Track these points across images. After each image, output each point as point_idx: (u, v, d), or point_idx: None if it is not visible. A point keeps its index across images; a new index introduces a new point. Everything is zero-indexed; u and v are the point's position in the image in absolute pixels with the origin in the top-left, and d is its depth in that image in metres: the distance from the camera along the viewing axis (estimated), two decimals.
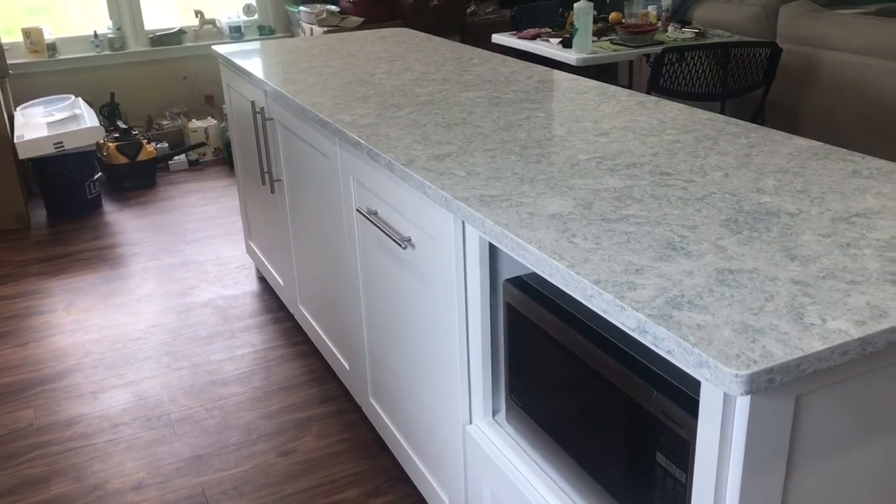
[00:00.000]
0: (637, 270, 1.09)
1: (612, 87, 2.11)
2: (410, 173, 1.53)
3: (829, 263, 1.09)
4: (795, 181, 1.40)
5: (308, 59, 2.66)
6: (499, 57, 2.59)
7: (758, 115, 3.39)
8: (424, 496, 1.87)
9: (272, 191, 2.52)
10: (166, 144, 4.71)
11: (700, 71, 3.34)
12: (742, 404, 0.92)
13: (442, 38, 3.01)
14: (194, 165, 4.72)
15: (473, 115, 1.91)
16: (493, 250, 1.44)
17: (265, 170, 2.55)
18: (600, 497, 1.25)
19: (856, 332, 0.92)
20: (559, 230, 1.23)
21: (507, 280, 1.42)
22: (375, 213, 1.79)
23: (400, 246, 1.64)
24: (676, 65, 3.31)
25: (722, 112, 3.67)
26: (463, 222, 1.42)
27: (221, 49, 2.91)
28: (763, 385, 0.87)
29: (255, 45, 3.00)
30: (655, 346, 0.97)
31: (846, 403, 0.97)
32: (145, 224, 3.87)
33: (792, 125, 3.84)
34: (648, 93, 3.34)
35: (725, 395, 0.92)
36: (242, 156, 2.93)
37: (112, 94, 4.71)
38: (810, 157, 1.52)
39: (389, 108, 2.00)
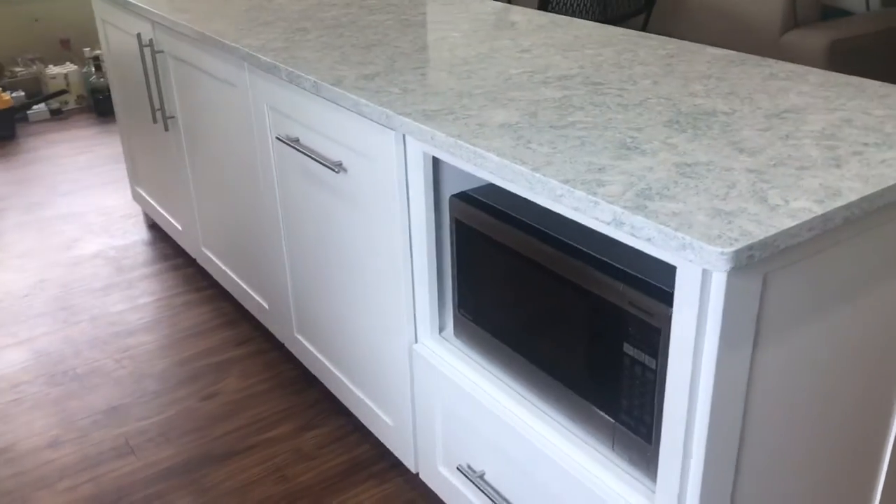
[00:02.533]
0: (600, 169, 1.12)
1: (520, 8, 2.12)
2: (343, 93, 1.49)
3: (775, 153, 1.15)
4: (721, 85, 1.46)
5: None
6: None
7: None
8: (364, 423, 1.87)
9: (166, 128, 2.39)
10: (22, 93, 4.37)
11: None
12: (718, 284, 0.96)
13: None
14: (56, 115, 4.42)
15: (388, 36, 1.87)
16: (435, 166, 1.44)
17: (157, 107, 2.42)
18: (562, 395, 1.29)
19: (818, 210, 0.98)
20: (513, 138, 1.24)
21: (453, 196, 1.42)
22: (297, 140, 1.74)
23: (332, 170, 1.61)
24: None
25: None
26: (404, 139, 1.41)
27: None
28: (744, 261, 0.92)
29: None
30: (633, 235, 1.00)
31: (806, 280, 1.04)
32: (10, 178, 3.60)
33: None
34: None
35: (703, 277, 0.96)
36: (125, 96, 2.76)
37: None
38: (727, 63, 1.59)
39: (296, 32, 1.93)
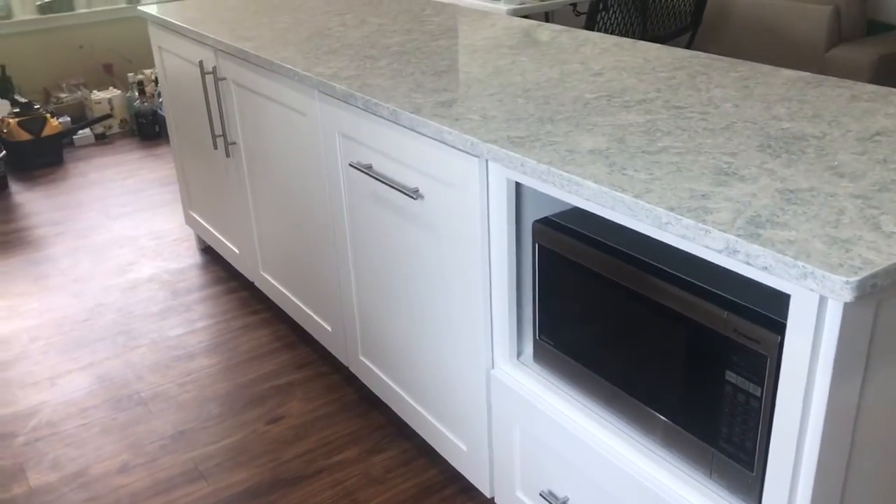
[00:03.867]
0: (703, 196, 1.12)
1: (583, 32, 2.13)
2: (424, 121, 1.50)
3: (877, 178, 1.14)
4: (804, 108, 1.45)
5: (249, 15, 2.56)
6: (451, 6, 2.56)
7: None
8: (434, 447, 1.87)
9: (227, 154, 2.42)
10: (68, 118, 4.44)
11: (626, 18, 3.41)
12: (834, 313, 0.95)
13: None
14: (101, 139, 4.48)
15: (457, 62, 1.88)
16: (518, 192, 1.44)
17: (218, 133, 2.45)
18: (654, 421, 1.29)
19: None
20: (606, 164, 1.24)
21: (536, 221, 1.43)
22: (370, 167, 1.75)
23: (410, 197, 1.62)
24: (603, 13, 3.36)
25: None
26: (487, 165, 1.41)
27: (150, 9, 2.75)
28: (868, 290, 0.91)
29: (183, 3, 2.86)
30: (748, 263, 0.99)
31: None
32: (62, 202, 3.65)
33: None
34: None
35: (820, 305, 0.96)
36: (182, 122, 2.80)
37: (2, 67, 4.40)
38: (804, 85, 1.58)
39: (365, 59, 1.95)
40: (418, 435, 1.96)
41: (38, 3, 4.58)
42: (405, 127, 1.57)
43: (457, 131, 1.43)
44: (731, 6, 3.84)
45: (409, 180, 1.64)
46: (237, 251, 2.68)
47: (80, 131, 4.40)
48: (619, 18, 3.41)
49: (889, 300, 1.00)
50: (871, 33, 3.77)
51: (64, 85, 4.66)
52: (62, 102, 4.57)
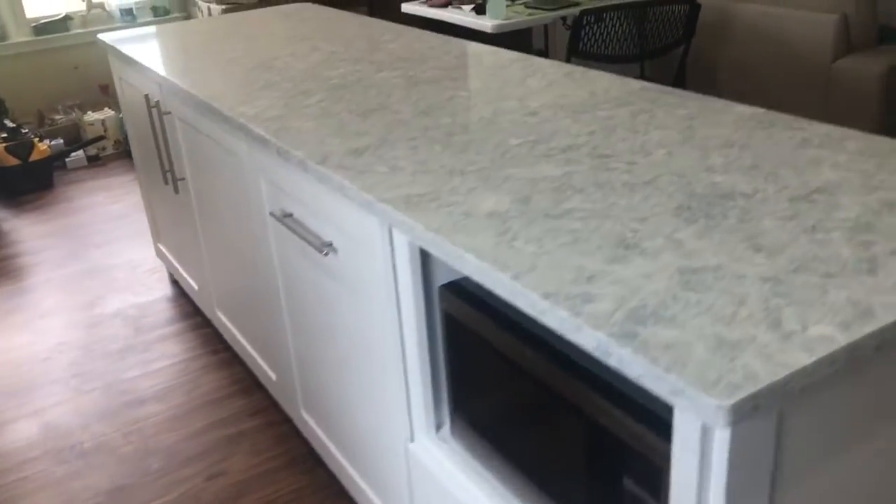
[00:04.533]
0: (590, 277, 0.97)
1: (536, 60, 1.98)
2: (327, 173, 1.37)
3: (798, 253, 0.99)
4: (744, 156, 1.29)
5: (205, 43, 2.45)
6: (413, 31, 2.42)
7: (679, 75, 3.32)
8: None
9: (176, 191, 2.31)
10: (61, 141, 4.40)
11: (618, 32, 3.24)
12: (721, 433, 0.80)
13: (350, 13, 2.82)
14: (94, 161, 4.43)
15: (391, 98, 1.75)
16: (426, 252, 1.30)
17: (167, 168, 2.34)
18: None
19: (842, 338, 0.82)
20: (498, 232, 1.10)
21: (442, 286, 1.29)
22: (291, 216, 1.63)
23: (320, 252, 1.48)
24: (595, 26, 3.20)
25: (641, 74, 3.59)
26: (390, 225, 1.28)
27: (108, 37, 2.66)
28: (748, 413, 0.76)
29: (147, 29, 2.76)
30: (621, 368, 0.84)
31: (829, 412, 0.87)
32: (45, 230, 3.59)
33: (711, 81, 3.79)
34: (568, 58, 3.23)
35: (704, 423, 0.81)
36: (141, 152, 2.71)
37: None
38: (755, 126, 1.42)
39: (298, 95, 1.83)
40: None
41: (34, 24, 4.55)
42: (314, 177, 1.44)
43: (356, 187, 1.30)
44: (734, 15, 3.64)
45: (326, 233, 1.51)
46: (196, 287, 2.57)
47: (73, 154, 4.35)
48: (614, 32, 3.24)
49: (795, 408, 0.84)
50: (885, 42, 3.54)
51: (59, 107, 4.62)
52: (56, 124, 4.53)
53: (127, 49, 2.45)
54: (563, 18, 3.47)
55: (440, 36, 2.33)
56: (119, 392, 2.39)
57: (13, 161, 3.92)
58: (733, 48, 3.67)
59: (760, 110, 1.49)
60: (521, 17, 3.38)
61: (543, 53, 4.11)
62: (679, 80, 3.32)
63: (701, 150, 1.33)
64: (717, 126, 1.43)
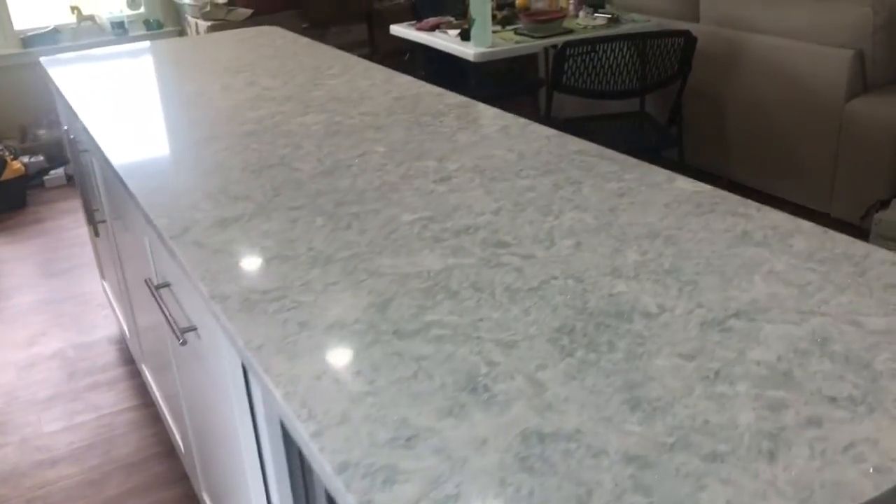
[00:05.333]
0: (409, 439, 0.74)
1: (479, 107, 1.76)
2: (174, 249, 1.16)
3: (684, 416, 0.75)
4: (665, 253, 1.06)
5: (147, 72, 2.26)
6: (362, 65, 2.21)
7: (675, 112, 3.07)
8: None
9: (96, 233, 2.12)
10: (42, 158, 4.26)
11: (611, 65, 3.00)
12: None
13: (310, 41, 2.62)
14: (72, 180, 4.28)
15: (298, 151, 1.54)
16: None
17: (91, 208, 2.15)
18: None
19: None
20: (328, 357, 0.88)
21: None
22: (167, 286, 1.42)
23: (176, 337, 1.27)
24: (585, 57, 2.96)
25: (641, 108, 3.34)
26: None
27: (49, 59, 2.49)
28: None
29: (112, 49, 2.59)
30: None
31: None
32: (5, 254, 3.44)
33: (717, 114, 3.53)
34: (549, 94, 3.00)
35: None
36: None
37: None
38: (692, 210, 1.18)
39: (201, 142, 1.62)
40: None
41: (21, 37, 4.42)
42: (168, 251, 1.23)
43: (196, 274, 1.08)
44: (742, 45, 3.38)
45: (195, 313, 1.30)
46: (128, 335, 2.38)
47: (53, 171, 4.21)
48: (607, 65, 3.00)
49: None
50: None
51: (44, 121, 4.48)
52: (39, 140, 4.39)
53: (60, 74, 2.27)
54: (554, 47, 3.23)
55: (388, 72, 2.11)
56: (34, 448, 2.20)
57: None
58: (742, 80, 3.41)
59: (706, 188, 1.26)
60: (507, 44, 3.16)
61: (541, 83, 3.87)
62: (674, 116, 3.07)
63: (617, 243, 1.09)
64: (648, 208, 1.19)
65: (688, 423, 0.74)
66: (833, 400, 0.76)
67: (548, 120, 3.15)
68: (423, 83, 1.98)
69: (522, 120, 1.64)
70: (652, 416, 0.76)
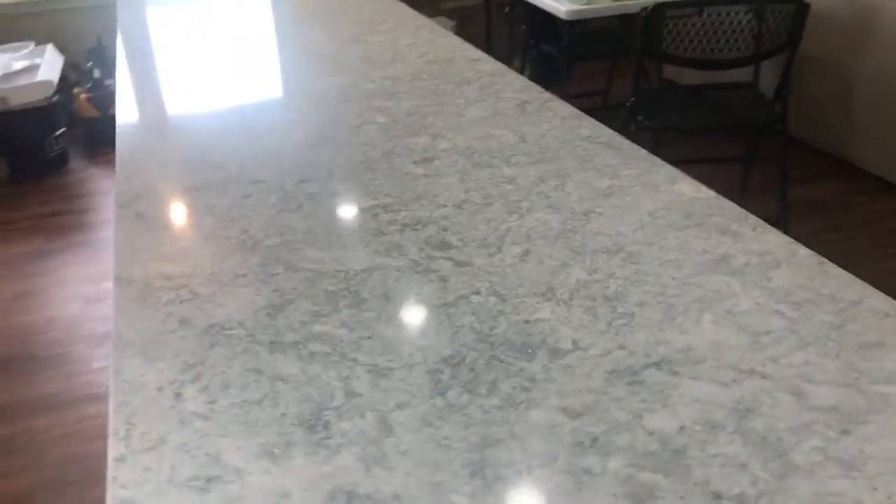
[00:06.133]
0: (209, 480, 0.66)
1: (509, 77, 1.61)
2: (114, 220, 1.11)
3: (525, 494, 0.62)
4: (617, 274, 0.91)
5: (191, 17, 2.23)
6: (416, 22, 2.09)
7: (782, 85, 2.77)
8: None
9: None
10: None
11: (716, 30, 2.72)
12: None
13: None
14: None
15: (301, 117, 1.45)
16: None
17: None
18: None
19: None
20: (184, 365, 0.80)
21: None
22: None
23: None
24: (687, 21, 2.70)
25: (754, 80, 3.04)
26: None
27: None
28: None
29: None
30: None
31: None
32: (104, 187, 3.58)
33: (839, 88, 3.17)
34: (640, 61, 2.77)
35: None
36: None
37: (99, 39, 4.40)
38: (677, 221, 1.01)
39: (206, 105, 1.57)
40: None
41: None
42: None
43: None
44: (881, 15, 3.00)
45: None
46: None
47: None
48: (719, 28, 2.73)
49: None
50: None
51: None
52: None
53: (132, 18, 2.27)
54: (644, 8, 2.97)
55: (440, 31, 1.98)
56: (81, 383, 2.28)
57: (93, 113, 3.93)
58: (877, 52, 3.04)
59: (708, 195, 1.08)
60: (605, 4, 2.94)
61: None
62: (781, 90, 2.77)
63: (570, 255, 0.95)
64: (627, 214, 1.04)
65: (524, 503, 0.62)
66: (716, 498, 0.61)
67: (653, 86, 2.92)
68: (464, 46, 1.84)
69: (547, 95, 1.49)
70: (488, 487, 0.63)
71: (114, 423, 0.73)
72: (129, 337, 0.85)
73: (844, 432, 0.67)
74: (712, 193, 1.08)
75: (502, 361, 0.78)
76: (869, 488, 0.62)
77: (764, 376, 0.74)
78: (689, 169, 1.18)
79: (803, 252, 0.93)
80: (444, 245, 0.99)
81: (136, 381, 0.78)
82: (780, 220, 2.76)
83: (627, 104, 2.77)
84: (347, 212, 1.09)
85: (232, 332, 0.85)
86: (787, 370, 0.74)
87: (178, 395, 0.76)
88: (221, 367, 0.79)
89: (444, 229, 1.03)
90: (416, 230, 1.03)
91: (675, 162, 1.17)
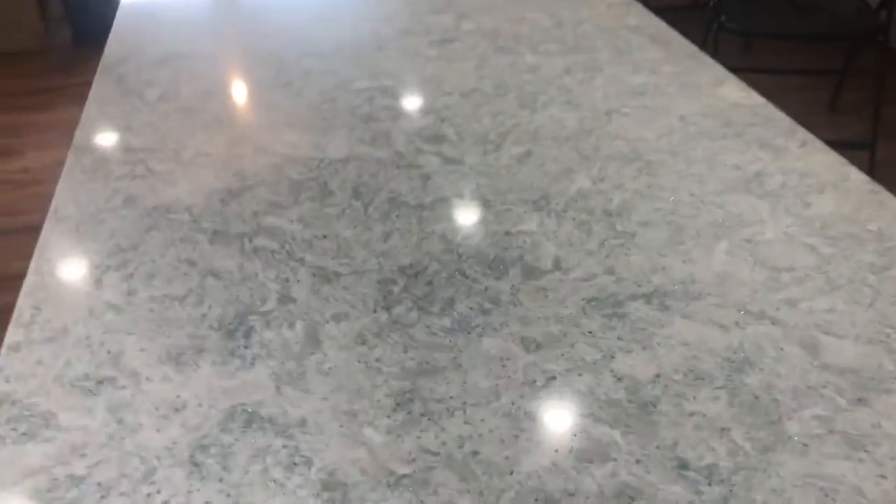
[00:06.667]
0: (101, 382, 0.58)
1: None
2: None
3: (435, 435, 0.52)
4: (627, 186, 0.77)
5: None
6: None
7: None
8: None
9: None
10: None
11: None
12: None
13: None
14: None
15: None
16: None
17: None
18: None
19: None
20: (109, 248, 0.71)
21: None
22: None
23: None
24: None
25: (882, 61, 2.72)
26: None
27: None
28: None
29: None
30: None
31: None
32: None
33: None
34: (714, 33, 2.49)
35: None
36: None
37: None
38: (712, 129, 0.87)
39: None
40: None
41: None
42: None
43: None
44: None
45: None
46: None
47: None
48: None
49: None
50: None
51: None
52: None
53: None
54: None
55: None
56: None
57: None
58: None
59: (755, 102, 0.92)
60: None
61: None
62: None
63: (577, 160, 0.82)
64: (656, 117, 0.89)
65: (434, 444, 0.52)
66: (680, 467, 0.50)
67: None
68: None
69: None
70: (410, 423, 0.53)
71: (20, 307, 0.65)
72: (67, 212, 0.76)
73: (860, 401, 0.55)
74: (761, 100, 0.92)
75: (466, 277, 0.66)
76: (875, 475, 0.50)
77: (774, 322, 0.61)
78: (772, 80, 1.01)
79: (857, 177, 0.77)
80: (438, 138, 0.87)
81: (58, 261, 0.70)
82: (867, 143, 2.51)
83: (710, 2, 2.52)
84: (340, 92, 0.97)
85: (176, 216, 0.75)
86: (805, 317, 0.61)
87: (98, 281, 0.67)
88: (153, 254, 0.70)
89: (443, 120, 0.90)
90: (408, 120, 0.90)
91: (757, 71, 1.01)
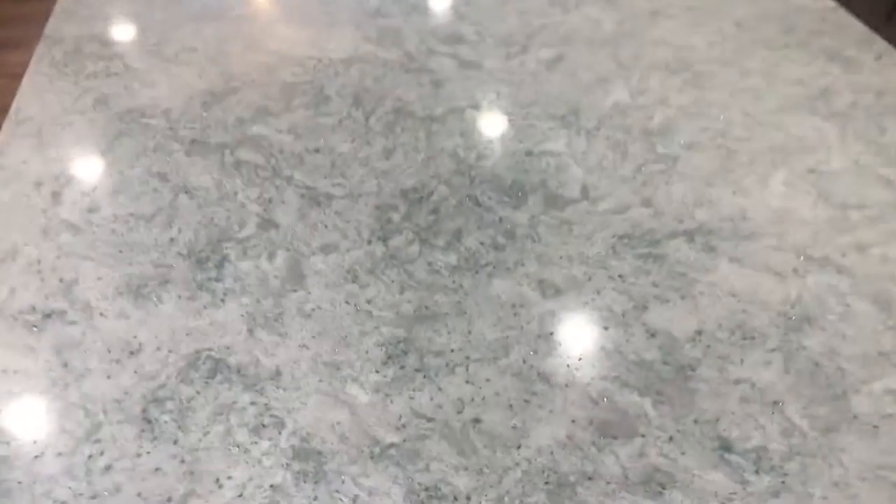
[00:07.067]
0: (48, 316, 0.50)
1: None
2: None
3: (436, 392, 0.44)
4: (671, 101, 0.67)
5: None
6: None
7: None
8: None
9: None
10: None
11: None
12: None
13: None
14: None
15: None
16: None
17: None
18: None
19: None
20: (86, 142, 0.62)
21: None
22: None
23: None
24: None
25: None
26: None
27: None
28: None
29: None
30: None
31: None
32: None
33: None
34: None
35: None
36: None
37: None
38: (775, 36, 0.75)
39: None
40: None
41: None
42: None
43: None
44: None
45: None
46: None
47: None
48: None
49: None
50: None
51: None
52: None
53: None
54: None
55: None
56: None
57: None
58: None
59: (829, 4, 0.80)
60: None
61: None
62: None
63: (613, 68, 0.71)
64: (709, 20, 0.77)
65: (436, 398, 0.43)
66: (723, 448, 0.42)
67: None
68: None
69: None
70: (402, 381, 0.45)
71: None
72: (30, 112, 0.67)
73: None
74: (830, 3, 0.79)
75: (479, 205, 0.57)
76: None
77: (840, 270, 0.51)
78: None
79: None
80: (455, 38, 0.76)
81: (13, 170, 0.61)
82: None
83: None
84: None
85: (151, 121, 0.66)
86: (878, 266, 0.52)
87: (55, 194, 0.59)
88: (122, 164, 0.61)
89: (462, 17, 0.79)
90: (425, 15, 0.79)
91: None
